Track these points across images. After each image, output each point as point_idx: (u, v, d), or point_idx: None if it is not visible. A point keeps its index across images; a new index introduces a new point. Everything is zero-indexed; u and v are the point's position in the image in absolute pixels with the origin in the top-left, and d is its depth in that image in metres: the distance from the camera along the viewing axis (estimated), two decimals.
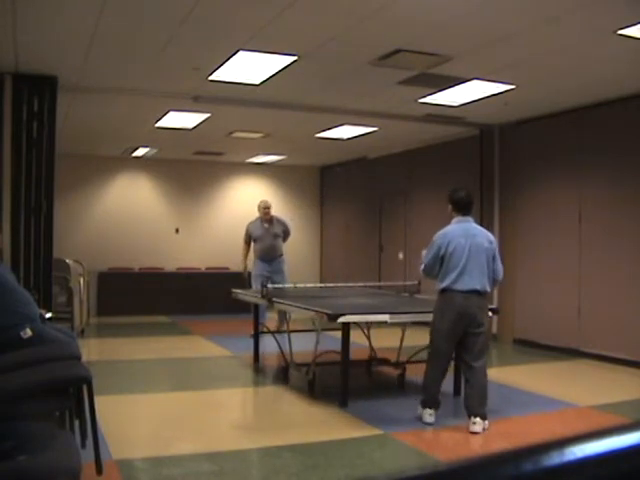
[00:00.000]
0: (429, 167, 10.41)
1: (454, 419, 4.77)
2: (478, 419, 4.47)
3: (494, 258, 4.65)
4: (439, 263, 4.59)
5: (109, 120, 8.80)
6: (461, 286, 4.51)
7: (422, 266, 4.77)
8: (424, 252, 4.77)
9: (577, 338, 7.60)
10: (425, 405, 4.71)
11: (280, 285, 7.19)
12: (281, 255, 8.88)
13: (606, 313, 7.25)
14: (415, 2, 4.51)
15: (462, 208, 4.68)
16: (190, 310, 11.63)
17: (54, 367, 3.04)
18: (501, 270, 4.70)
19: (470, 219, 4.70)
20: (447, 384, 4.94)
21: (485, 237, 4.65)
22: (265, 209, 8.79)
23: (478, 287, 4.53)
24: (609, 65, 5.92)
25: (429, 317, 4.83)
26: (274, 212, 9.05)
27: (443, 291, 4.61)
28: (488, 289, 4.65)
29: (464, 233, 4.60)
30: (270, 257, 8.75)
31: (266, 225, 8.77)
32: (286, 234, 8.96)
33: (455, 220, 4.71)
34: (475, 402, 4.52)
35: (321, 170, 13.77)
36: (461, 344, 4.62)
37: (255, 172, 13.19)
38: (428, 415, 4.67)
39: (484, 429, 4.50)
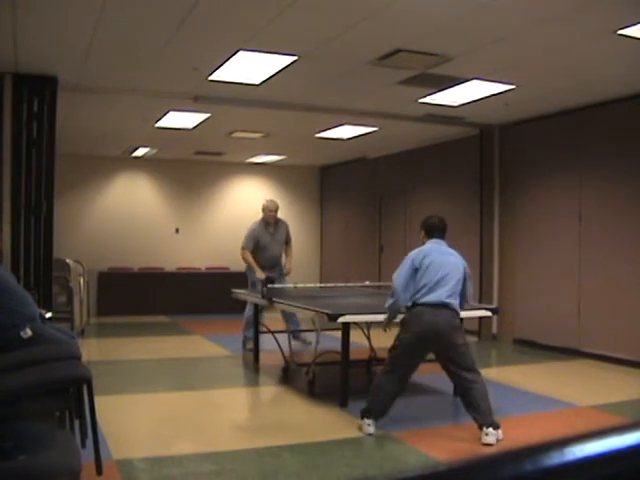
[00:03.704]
0: (429, 167, 10.42)
1: (454, 419, 4.76)
2: (491, 429, 4.22)
3: (466, 280, 4.52)
4: (413, 278, 4.41)
5: (109, 120, 8.80)
6: (432, 299, 4.32)
7: (390, 299, 4.50)
8: (394, 276, 4.48)
9: (577, 338, 7.60)
10: (364, 414, 4.49)
11: (280, 285, 7.15)
12: (281, 265, 7.92)
13: (606, 313, 7.25)
14: (415, 2, 4.51)
15: (435, 232, 4.63)
16: (190, 310, 11.62)
17: (54, 367, 3.04)
18: (471, 294, 4.65)
19: (443, 242, 4.62)
20: (447, 384, 4.92)
21: (459, 259, 4.55)
22: (272, 211, 7.75)
23: (447, 300, 4.34)
24: (609, 65, 5.92)
25: None
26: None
27: (413, 306, 4.40)
28: (458, 308, 4.45)
29: (439, 252, 4.52)
30: (273, 267, 7.73)
31: (271, 230, 7.78)
32: (288, 239, 7.96)
33: (428, 242, 4.61)
34: (483, 412, 4.28)
35: (321, 170, 13.77)
36: (450, 361, 4.40)
37: (255, 172, 13.19)
38: (367, 426, 4.46)
39: (498, 440, 4.24)
